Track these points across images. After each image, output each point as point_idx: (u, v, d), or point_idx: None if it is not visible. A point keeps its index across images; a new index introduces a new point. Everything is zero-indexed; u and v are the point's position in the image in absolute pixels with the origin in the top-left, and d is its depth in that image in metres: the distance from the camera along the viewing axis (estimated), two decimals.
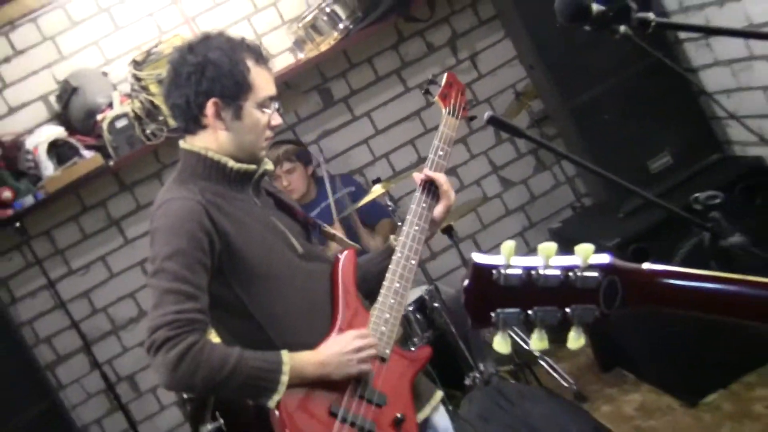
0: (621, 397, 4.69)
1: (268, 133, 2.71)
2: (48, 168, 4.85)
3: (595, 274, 1.16)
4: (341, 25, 5.11)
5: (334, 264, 2.81)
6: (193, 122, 2.67)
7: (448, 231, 4.85)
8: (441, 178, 2.83)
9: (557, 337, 1.24)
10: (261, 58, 2.70)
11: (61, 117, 5.09)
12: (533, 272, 1.16)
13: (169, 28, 5.24)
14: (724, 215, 2.33)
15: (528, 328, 1.19)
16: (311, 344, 2.62)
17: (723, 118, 4.57)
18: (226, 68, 2.61)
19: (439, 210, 2.84)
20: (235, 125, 2.65)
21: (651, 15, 1.98)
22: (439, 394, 2.93)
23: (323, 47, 5.15)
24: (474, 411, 4.05)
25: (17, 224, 4.90)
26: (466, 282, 1.19)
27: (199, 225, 2.52)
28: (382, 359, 2.71)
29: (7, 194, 4.81)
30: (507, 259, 1.18)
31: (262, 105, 2.66)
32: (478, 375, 4.54)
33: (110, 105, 4.96)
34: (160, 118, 4.91)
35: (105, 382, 5.16)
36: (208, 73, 2.61)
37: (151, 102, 4.91)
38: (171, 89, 2.67)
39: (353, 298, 2.77)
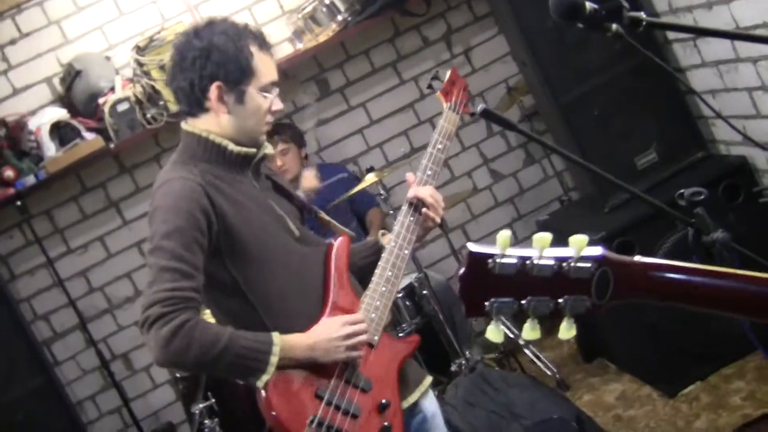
0: (602, 387, 4.78)
1: (269, 118, 2.73)
2: (50, 149, 4.91)
3: (587, 265, 1.16)
4: (340, 17, 5.19)
5: (328, 249, 2.83)
6: (196, 105, 2.69)
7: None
8: (428, 197, 2.84)
9: (544, 326, 1.25)
10: (264, 44, 2.72)
11: (64, 99, 5.17)
12: (528, 262, 1.16)
13: (172, 15, 5.32)
14: (707, 212, 2.43)
15: (521, 317, 1.19)
16: (303, 326, 2.65)
17: (709, 117, 4.65)
18: (230, 53, 2.63)
19: (427, 224, 2.86)
20: (238, 109, 2.67)
21: (642, 14, 2.02)
22: (429, 379, 2.95)
23: (321, 38, 5.23)
24: (459, 396, 4.11)
25: (18, 203, 4.96)
26: (461, 270, 1.18)
27: (198, 205, 2.54)
28: (371, 345, 2.73)
29: (10, 173, 4.87)
30: (502, 248, 1.17)
31: (264, 90, 2.69)
32: (464, 362, 4.60)
33: (112, 89, 5.02)
34: (161, 102, 4.98)
35: (100, 359, 5.22)
36: (213, 58, 2.62)
37: (153, 87, 4.99)
38: (176, 72, 2.69)
39: (345, 283, 2.80)
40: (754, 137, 4.07)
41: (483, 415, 3.94)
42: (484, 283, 1.16)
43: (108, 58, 5.20)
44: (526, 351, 5.05)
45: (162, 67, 4.93)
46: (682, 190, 2.51)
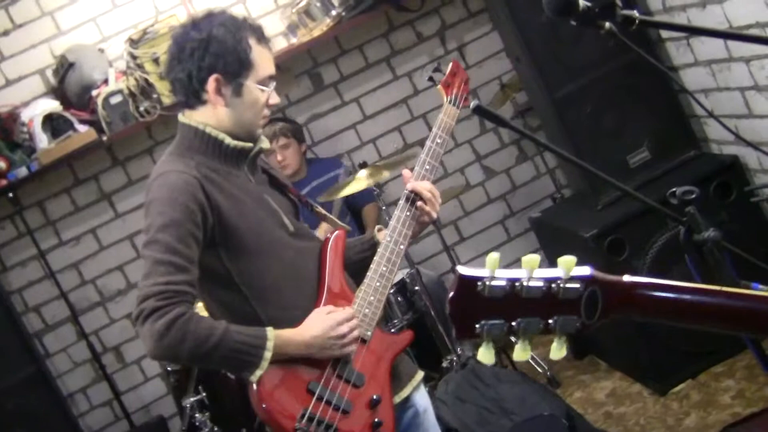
0: (593, 384, 4.81)
1: (266, 112, 2.74)
2: (42, 140, 4.90)
3: (576, 285, 1.17)
4: (334, 12, 5.19)
5: (324, 243, 2.84)
6: (193, 97, 2.69)
7: None
8: (424, 190, 2.83)
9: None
10: (263, 37, 2.73)
11: (57, 91, 5.15)
12: (517, 284, 1.16)
13: (166, 8, 5.30)
14: (699, 210, 2.44)
15: (511, 338, 1.21)
16: (297, 320, 2.66)
17: (701, 116, 4.67)
18: (229, 45, 2.63)
19: (424, 218, 2.85)
20: (235, 102, 2.68)
21: (635, 12, 2.02)
22: (420, 374, 2.96)
23: (316, 33, 5.23)
24: (450, 392, 4.12)
25: (10, 194, 4.97)
26: (451, 294, 1.18)
27: (193, 198, 2.55)
28: (364, 340, 2.74)
29: (2, 165, 4.86)
30: (492, 270, 1.17)
31: (261, 83, 2.70)
32: (455, 358, 4.60)
33: (106, 81, 5.01)
34: (154, 95, 4.98)
35: (91, 351, 5.23)
36: (212, 49, 2.63)
37: (146, 80, 4.98)
38: (173, 64, 2.69)
39: (340, 278, 2.80)
40: (746, 137, 4.09)
41: (473, 410, 3.96)
42: (474, 305, 1.17)
43: (101, 51, 5.19)
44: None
45: (156, 60, 4.93)
46: (673, 189, 2.52)
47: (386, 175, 4.74)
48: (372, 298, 2.77)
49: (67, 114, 4.98)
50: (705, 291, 1.19)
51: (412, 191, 2.84)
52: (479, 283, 1.16)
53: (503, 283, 1.16)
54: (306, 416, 2.58)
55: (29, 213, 5.27)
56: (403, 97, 5.72)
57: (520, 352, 1.20)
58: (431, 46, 5.71)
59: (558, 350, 1.20)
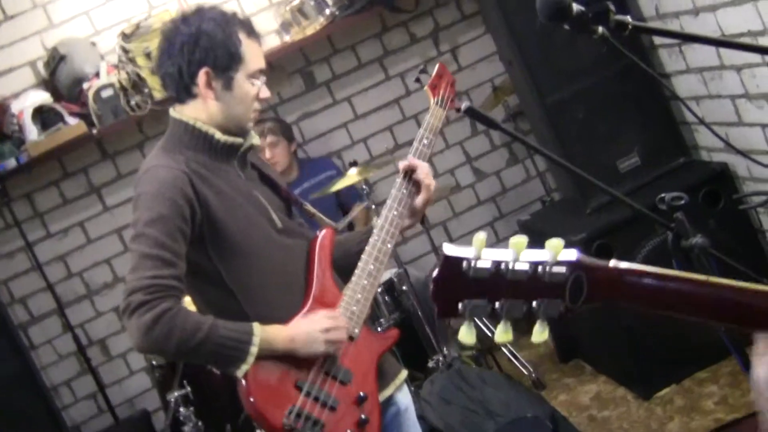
0: (578, 387, 4.82)
1: (256, 106, 2.75)
2: (32, 132, 4.90)
3: (562, 269, 1.16)
4: (327, 11, 5.20)
5: (312, 242, 2.85)
6: (184, 91, 2.70)
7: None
8: (422, 167, 2.82)
9: (520, 326, 1.26)
10: (252, 31, 2.74)
11: (48, 83, 5.14)
12: (503, 265, 1.16)
13: (159, 3, 5.30)
14: (687, 217, 2.45)
15: (494, 319, 1.18)
16: (283, 318, 2.66)
17: (692, 123, 4.68)
18: (219, 39, 2.64)
19: (419, 200, 2.83)
20: (226, 96, 2.69)
21: (628, 18, 2.03)
22: (404, 373, 2.97)
23: (309, 31, 5.23)
24: (435, 393, 4.13)
25: None
26: (435, 272, 1.17)
27: (182, 193, 2.56)
28: (351, 338, 2.75)
29: None
30: (478, 251, 1.17)
31: (252, 77, 2.71)
32: (441, 358, 4.62)
33: (97, 75, 5.01)
34: (146, 90, 4.98)
35: (76, 344, 5.22)
36: (202, 43, 2.64)
37: (138, 74, 4.98)
38: (164, 59, 2.70)
39: (328, 276, 2.81)
40: (736, 145, 4.09)
41: (458, 411, 3.96)
42: (458, 285, 1.16)
43: (93, 44, 5.18)
44: (503, 349, 5.07)
45: (148, 55, 4.92)
46: (663, 195, 2.53)
47: (376, 174, 4.75)
48: (359, 296, 2.77)
49: (57, 106, 4.98)
50: (690, 280, 1.19)
51: (408, 167, 2.82)
52: (464, 263, 1.16)
53: (489, 264, 1.15)
54: (294, 412, 2.59)
55: (17, 204, 5.25)
56: (395, 98, 5.73)
57: (502, 334, 1.19)
58: (424, 48, 5.72)
59: (540, 333, 1.18)
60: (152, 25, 4.99)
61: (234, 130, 2.74)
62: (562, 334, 5.04)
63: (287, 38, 5.37)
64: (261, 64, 2.75)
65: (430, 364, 4.66)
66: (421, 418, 3.85)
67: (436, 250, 5.27)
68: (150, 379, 5.39)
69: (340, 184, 4.74)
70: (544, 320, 1.17)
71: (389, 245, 2.81)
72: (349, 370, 2.72)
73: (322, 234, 2.87)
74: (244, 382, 2.57)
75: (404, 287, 4.70)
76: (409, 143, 2.92)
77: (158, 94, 4.92)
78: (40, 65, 5.19)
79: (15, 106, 4.98)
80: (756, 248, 4.47)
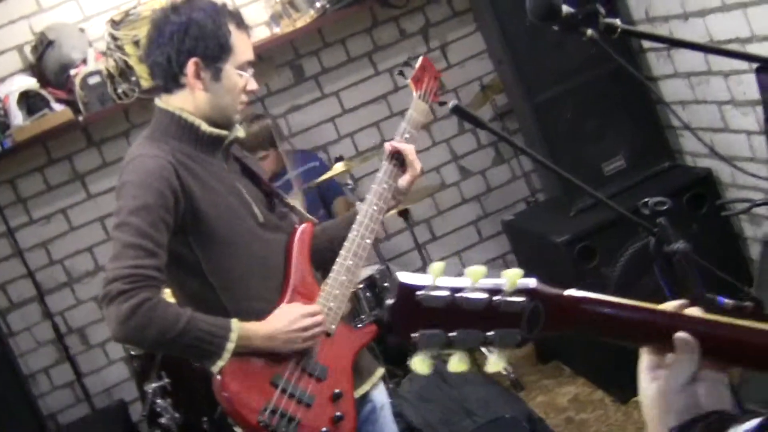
0: (556, 389, 4.83)
1: (244, 98, 2.75)
2: (17, 117, 4.86)
3: (519, 299, 1.14)
4: (318, 4, 5.17)
5: (291, 235, 2.85)
6: (172, 81, 2.70)
7: (404, 214, 4.94)
8: (408, 149, 2.82)
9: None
10: (242, 23, 2.74)
11: (35, 68, 5.10)
12: (458, 294, 1.13)
13: None
14: (670, 222, 2.45)
15: (449, 349, 1.16)
16: (262, 311, 2.67)
17: (677, 128, 4.69)
18: (209, 29, 2.64)
19: (405, 179, 2.83)
20: (214, 86, 2.68)
21: (617, 21, 2.04)
22: (381, 370, 2.98)
23: (299, 24, 5.21)
24: (414, 390, 4.14)
25: None
26: (390, 301, 1.14)
27: (167, 183, 2.56)
28: (328, 334, 2.75)
29: None
30: (433, 279, 1.13)
31: (240, 68, 2.71)
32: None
33: (85, 61, 4.98)
34: (133, 78, 4.95)
35: (55, 332, 5.21)
36: (192, 33, 2.63)
37: (126, 62, 4.95)
38: (152, 47, 2.69)
39: (306, 271, 2.81)
40: (720, 151, 4.11)
41: (437, 409, 3.98)
42: (412, 314, 1.13)
43: (82, 30, 5.15)
44: (483, 349, 5.06)
45: (136, 43, 4.90)
46: (646, 199, 2.53)
47: (361, 168, 4.74)
48: (337, 291, 2.77)
49: (43, 92, 4.94)
50: (648, 310, 1.18)
51: (392, 149, 2.82)
52: (419, 292, 1.13)
53: (444, 293, 1.13)
54: (269, 409, 2.59)
55: (0, 189, 5.23)
56: (383, 93, 5.71)
57: (456, 365, 1.16)
58: (414, 44, 5.71)
59: (495, 364, 1.16)
60: (141, 12, 4.97)
61: (220, 122, 2.73)
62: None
63: (277, 30, 5.35)
64: (250, 55, 2.75)
65: (410, 361, 4.65)
66: (399, 415, 3.86)
67: (420, 247, 5.26)
68: (128, 370, 5.36)
69: (326, 176, 4.73)
70: (500, 350, 1.15)
71: (368, 240, 2.81)
72: (325, 367, 2.72)
73: (301, 228, 2.88)
74: (219, 377, 2.58)
75: (386, 284, 4.70)
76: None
77: (146, 83, 4.90)
78: (28, 50, 5.15)
79: (1, 91, 4.95)
80: (737, 254, 4.48)
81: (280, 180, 5.07)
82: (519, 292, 1.13)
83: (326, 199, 5.24)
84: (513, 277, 1.13)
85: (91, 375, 5.42)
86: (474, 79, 5.76)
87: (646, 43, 4.66)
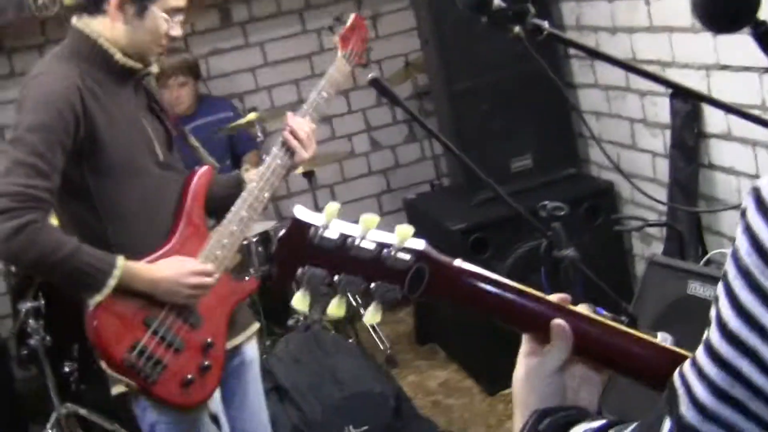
0: (428, 371, 4.88)
1: (164, 42, 2.70)
2: None
3: (407, 257, 1.14)
4: None
5: (188, 177, 2.82)
6: (94, 5, 2.64)
7: (309, 175, 4.93)
8: (303, 127, 2.82)
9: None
10: None
11: None
12: (349, 240, 1.14)
13: None
14: (564, 228, 2.50)
15: (331, 292, 1.17)
16: (145, 249, 2.64)
17: (587, 137, 4.77)
18: None
19: (296, 159, 2.85)
20: (135, 22, 2.63)
21: (545, 23, 2.04)
22: (255, 325, 3.00)
23: None
24: (289, 352, 4.15)
25: None
26: (281, 233, 1.16)
27: (70, 106, 2.50)
28: None
29: None
30: (327, 220, 1.15)
31: (167, 13, 2.66)
32: (302, 318, 4.64)
33: None
34: None
35: None
36: None
37: None
38: None
39: (197, 215, 2.79)
40: (625, 167, 4.19)
41: (307, 373, 4.00)
42: (301, 249, 1.14)
43: None
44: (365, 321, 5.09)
45: None
46: (545, 202, 2.58)
47: (273, 124, 4.71)
48: (226, 240, 2.75)
49: None
50: (531, 296, 1.17)
51: (289, 127, 2.81)
52: (312, 229, 1.14)
53: (335, 235, 1.14)
54: (138, 348, 2.56)
55: None
56: (308, 53, 5.68)
57: (335, 308, 1.16)
58: (346, 8, 5.65)
59: (372, 315, 1.16)
60: None
61: (134, 58, 2.68)
62: (423, 316, 5.09)
63: None
64: (180, 2, 2.71)
65: (290, 322, 4.67)
66: (269, 373, 3.87)
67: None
68: (5, 285, 5.25)
69: (236, 123, 4.71)
70: (379, 303, 1.16)
71: (266, 194, 2.79)
72: (201, 315, 2.71)
73: (200, 171, 2.84)
74: (92, 308, 2.54)
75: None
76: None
77: (69, 1, 4.77)
78: None
79: None
80: (623, 270, 4.58)
81: (193, 123, 5.01)
82: (407, 250, 1.14)
83: (237, 150, 5.20)
84: (404, 234, 1.14)
85: None
86: (399, 54, 5.75)
87: (572, 50, 4.70)
